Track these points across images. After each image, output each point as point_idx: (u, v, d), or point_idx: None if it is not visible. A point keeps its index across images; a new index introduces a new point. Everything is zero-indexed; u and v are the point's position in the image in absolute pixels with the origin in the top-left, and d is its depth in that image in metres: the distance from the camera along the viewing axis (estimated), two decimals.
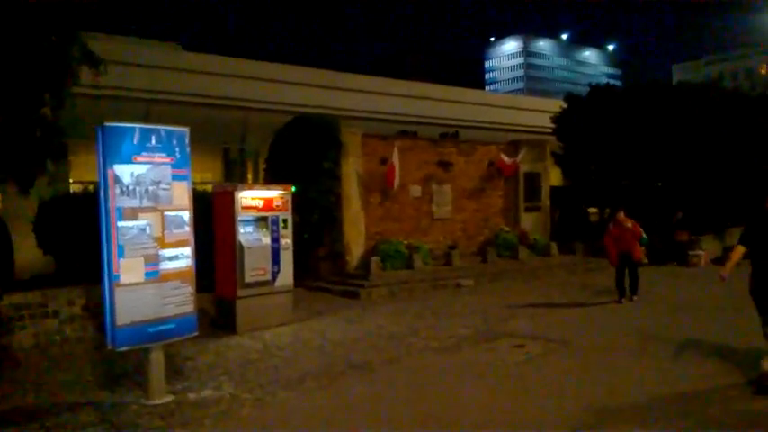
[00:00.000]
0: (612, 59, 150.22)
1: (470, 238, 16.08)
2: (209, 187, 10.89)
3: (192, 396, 5.96)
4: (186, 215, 5.97)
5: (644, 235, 10.86)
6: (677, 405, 5.44)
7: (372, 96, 21.73)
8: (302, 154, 13.24)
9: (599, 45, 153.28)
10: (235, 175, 19.64)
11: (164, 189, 5.75)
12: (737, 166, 16.76)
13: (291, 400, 5.82)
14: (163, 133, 5.82)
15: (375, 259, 13.09)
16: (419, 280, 12.90)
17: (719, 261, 16.23)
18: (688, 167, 16.94)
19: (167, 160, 5.80)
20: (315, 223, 13.23)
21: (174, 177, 5.85)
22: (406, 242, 14.12)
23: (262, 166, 15.60)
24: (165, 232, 5.75)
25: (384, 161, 14.26)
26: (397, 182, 14.10)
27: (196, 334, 6.22)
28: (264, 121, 17.29)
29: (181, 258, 5.91)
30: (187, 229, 5.98)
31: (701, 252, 16.36)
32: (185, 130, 6.06)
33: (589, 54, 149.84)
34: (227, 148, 20.52)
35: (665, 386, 5.93)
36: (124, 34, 21.28)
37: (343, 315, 9.98)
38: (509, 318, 9.62)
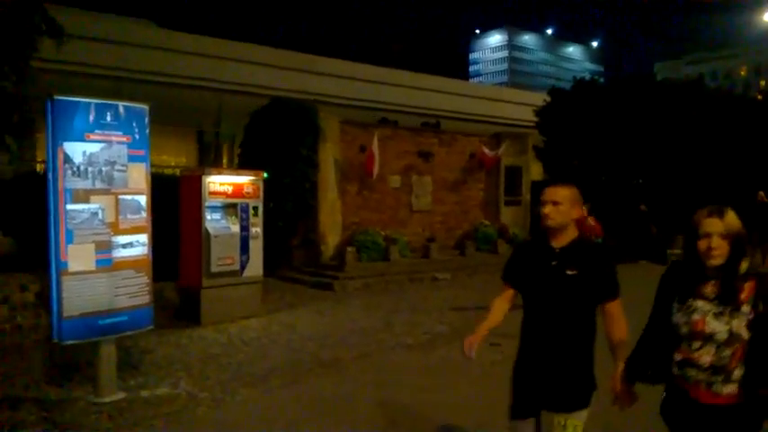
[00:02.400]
0: (596, 56, 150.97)
1: (449, 231, 15.78)
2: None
3: (145, 393, 5.55)
4: (143, 200, 5.54)
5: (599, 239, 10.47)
6: None
7: (353, 82, 21.28)
8: (278, 139, 12.78)
9: (583, 41, 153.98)
10: (210, 159, 19.12)
11: (119, 171, 5.31)
12: (717, 165, 16.67)
13: (252, 399, 5.45)
14: (121, 110, 5.37)
15: (351, 250, 12.72)
16: (395, 272, 12.58)
17: None
18: (669, 164, 16.82)
19: (124, 139, 5.35)
20: (289, 211, 12.80)
21: (131, 158, 5.40)
22: (383, 233, 13.77)
23: (237, 150, 15.13)
24: (120, 217, 5.32)
25: (363, 149, 13.87)
26: (376, 171, 13.72)
27: (152, 327, 5.80)
28: (241, 105, 16.72)
29: (136, 246, 5.48)
30: (144, 214, 5.55)
31: (678, 251, 16.22)
32: (145, 107, 5.61)
33: (573, 50, 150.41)
34: (202, 132, 19.96)
35: None
36: (96, 9, 20.58)
37: (314, 308, 9.61)
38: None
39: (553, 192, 3.00)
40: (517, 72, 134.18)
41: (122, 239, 5.34)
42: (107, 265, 5.26)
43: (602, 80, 21.23)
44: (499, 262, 14.13)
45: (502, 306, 3.43)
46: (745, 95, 20.73)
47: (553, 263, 2.92)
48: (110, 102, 5.34)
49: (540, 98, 20.00)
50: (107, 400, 5.30)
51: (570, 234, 2.99)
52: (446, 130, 16.96)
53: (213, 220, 8.29)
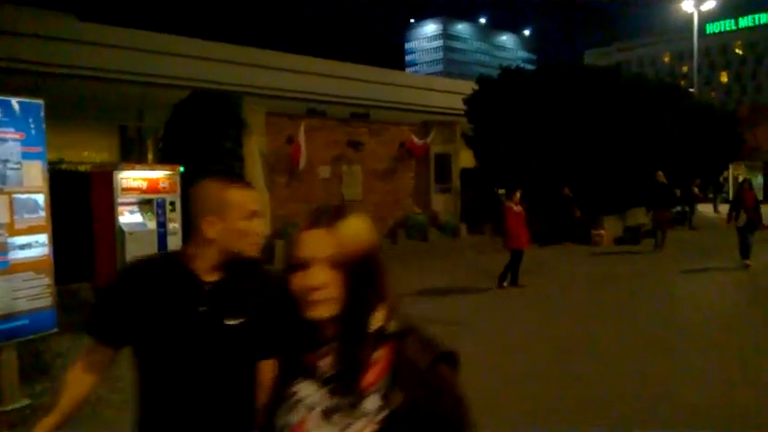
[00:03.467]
0: (528, 44, 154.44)
1: (381, 220, 15.85)
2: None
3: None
4: (41, 198, 5.32)
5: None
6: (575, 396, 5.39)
7: (280, 73, 20.97)
8: (201, 132, 12.48)
9: (515, 30, 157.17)
10: (133, 155, 18.49)
11: (12, 169, 5.07)
12: (638, 148, 17.36)
13: None
14: (13, 105, 5.13)
15: (280, 243, 12.62)
16: None
17: (622, 241, 16.87)
18: (592, 148, 17.39)
19: (17, 136, 5.12)
20: None
21: (25, 156, 5.17)
22: None
23: (161, 145, 14.72)
24: (15, 217, 5.09)
25: (290, 140, 13.76)
26: (303, 162, 13.64)
27: (56, 330, 5.59)
28: (165, 98, 16.28)
29: (35, 247, 5.26)
30: (42, 213, 5.33)
31: (602, 231, 16.89)
32: (40, 102, 5.38)
33: (506, 38, 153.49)
34: (125, 126, 19.28)
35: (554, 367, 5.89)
36: (14, 2, 19.52)
37: None
38: (413, 300, 9.42)
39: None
40: (452, 61, 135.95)
41: (19, 240, 5.13)
42: (3, 267, 5.04)
43: (531, 68, 21.68)
44: (429, 249, 14.46)
45: (85, 379, 2.01)
46: (660, 81, 21.61)
47: (201, 308, 1.81)
48: (0, 97, 5.10)
49: (468, 87, 20.27)
50: (9, 407, 5.10)
51: (221, 255, 1.85)
52: (376, 119, 16.98)
53: (127, 217, 8.04)
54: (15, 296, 5.10)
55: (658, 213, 15.40)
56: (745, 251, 11.76)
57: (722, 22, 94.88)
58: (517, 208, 10.45)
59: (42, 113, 5.40)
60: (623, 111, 17.21)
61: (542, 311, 8.68)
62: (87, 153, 18.78)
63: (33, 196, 5.24)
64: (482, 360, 6.29)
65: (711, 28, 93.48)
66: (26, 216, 5.17)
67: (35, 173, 5.27)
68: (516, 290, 10.21)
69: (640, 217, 17.88)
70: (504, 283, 10.41)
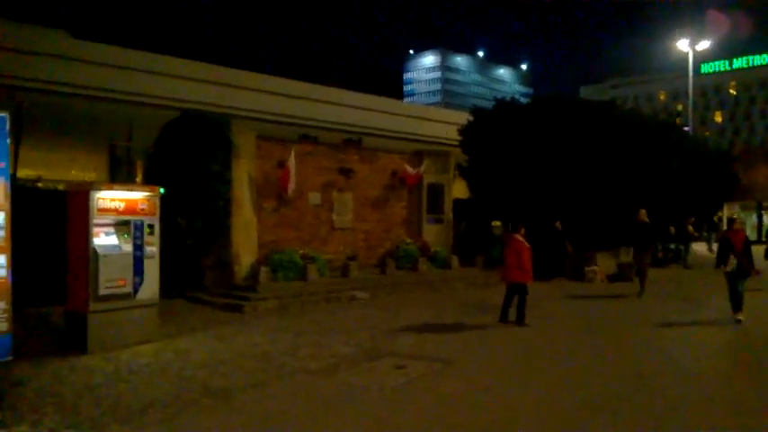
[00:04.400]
0: (525, 78, 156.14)
1: (371, 249, 15.56)
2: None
3: None
4: (1, 217, 5.00)
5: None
6: None
7: (272, 97, 20.85)
8: (189, 154, 12.24)
9: (513, 64, 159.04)
10: (121, 174, 18.21)
11: None
12: (631, 184, 17.16)
13: None
14: None
15: (265, 269, 12.26)
16: (312, 293, 12.18)
17: (615, 278, 16.53)
18: (585, 183, 17.18)
19: None
20: (200, 229, 12.25)
21: None
22: (301, 252, 13.36)
23: (147, 165, 14.43)
24: None
25: (281, 165, 13.49)
26: (291, 187, 13.36)
27: (10, 358, 5.23)
28: (155, 118, 16.06)
29: None
30: (1, 233, 5.01)
31: (596, 268, 16.58)
32: (4, 114, 5.10)
33: (503, 72, 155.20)
34: (114, 146, 19.02)
35: (552, 412, 5.52)
36: (4, 16, 19.42)
37: (217, 332, 9.09)
38: (397, 335, 9.08)
39: None
40: (450, 93, 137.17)
41: None
42: None
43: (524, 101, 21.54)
44: (419, 280, 14.10)
45: None
46: (655, 117, 21.56)
47: None
48: None
49: (463, 117, 20.16)
50: None
51: None
52: (368, 147, 16.75)
53: (102, 239, 7.69)
54: None
55: (638, 255, 13.84)
56: (736, 302, 9.94)
57: (717, 63, 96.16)
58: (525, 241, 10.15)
59: (7, 127, 5.11)
60: (618, 146, 17.05)
61: (531, 351, 8.32)
62: (75, 172, 18.51)
63: None
64: (463, 401, 5.93)
65: (706, 68, 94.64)
66: None
67: None
68: (509, 329, 9.78)
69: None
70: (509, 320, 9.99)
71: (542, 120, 17.35)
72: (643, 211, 13.86)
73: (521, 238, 10.03)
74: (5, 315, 5.04)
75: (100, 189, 7.73)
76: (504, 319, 9.99)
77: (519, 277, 9.89)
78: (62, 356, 7.36)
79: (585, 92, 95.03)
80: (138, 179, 18.41)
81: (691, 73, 33.97)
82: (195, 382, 6.42)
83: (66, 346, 7.82)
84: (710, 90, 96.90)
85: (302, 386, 6.46)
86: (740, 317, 9.91)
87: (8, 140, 5.09)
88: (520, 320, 9.87)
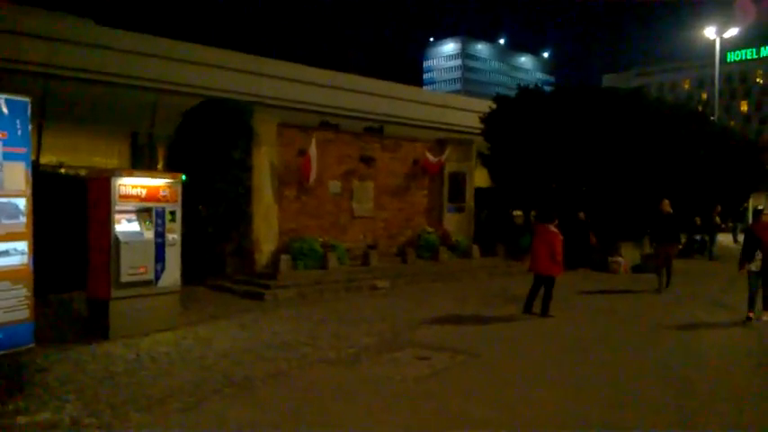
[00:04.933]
0: (547, 66, 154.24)
1: (392, 238, 15.42)
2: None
3: (23, 420, 4.94)
4: (22, 203, 4.96)
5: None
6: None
7: (294, 84, 20.73)
8: (210, 141, 12.19)
9: (534, 52, 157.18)
10: (143, 161, 18.26)
11: None
12: (658, 174, 16.82)
13: (143, 425, 4.90)
14: None
15: (285, 258, 12.20)
16: (332, 281, 12.11)
17: (639, 269, 16.22)
18: (611, 173, 16.88)
19: None
20: (221, 217, 12.22)
21: (7, 156, 4.83)
22: (321, 240, 13.28)
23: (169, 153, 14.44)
24: None
25: (302, 153, 13.37)
26: (313, 176, 13.24)
27: (32, 345, 5.20)
28: (177, 105, 16.06)
29: (13, 254, 4.90)
30: (23, 219, 4.96)
31: (620, 259, 16.30)
32: (26, 99, 5.03)
33: (525, 60, 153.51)
34: (136, 133, 19.06)
35: (576, 406, 5.38)
36: (37, 5, 19.51)
37: (239, 319, 9.05)
38: (419, 325, 8.97)
39: None
40: (470, 81, 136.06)
41: None
42: None
43: (548, 89, 21.18)
44: (439, 270, 13.96)
45: None
46: (683, 106, 21.09)
47: None
48: None
49: (485, 105, 19.89)
50: None
51: None
52: (389, 135, 16.57)
53: (124, 226, 7.65)
54: None
55: (661, 248, 12.92)
56: (753, 301, 9.30)
57: (743, 51, 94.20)
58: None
59: (29, 112, 5.05)
60: (644, 135, 16.69)
61: (556, 344, 8.15)
62: (98, 159, 18.60)
63: (14, 200, 4.89)
64: (488, 395, 5.80)
65: (732, 56, 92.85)
66: (4, 221, 4.81)
67: (17, 175, 4.91)
68: (533, 320, 9.63)
69: None
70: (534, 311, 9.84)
71: (568, 108, 17.02)
72: (666, 201, 13.13)
73: (554, 229, 9.86)
74: (27, 302, 5.00)
75: (121, 175, 7.68)
76: (528, 309, 9.84)
77: (549, 269, 9.74)
78: (84, 343, 7.36)
79: (608, 80, 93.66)
80: (160, 166, 18.47)
81: (717, 61, 33.26)
82: (216, 371, 6.37)
83: (88, 332, 7.83)
84: (736, 78, 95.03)
85: (324, 377, 6.38)
86: (752, 315, 9.34)
87: (29, 126, 5.03)
88: (544, 312, 9.72)
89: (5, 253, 4.81)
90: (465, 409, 5.39)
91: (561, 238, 9.86)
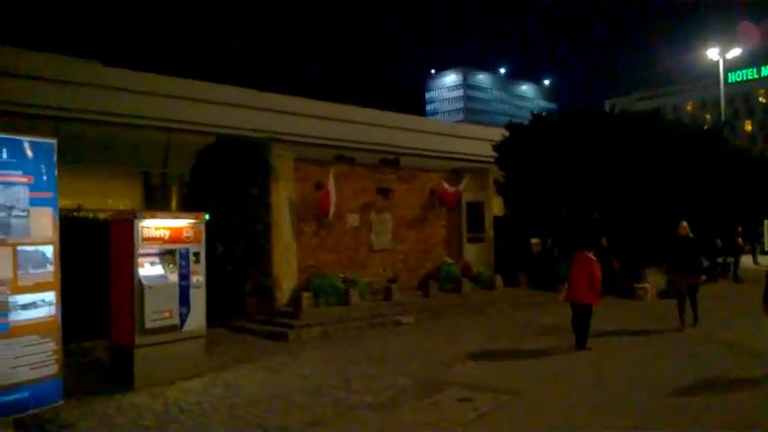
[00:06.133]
0: (548, 94, 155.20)
1: (412, 271, 15.10)
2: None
3: None
4: (50, 251, 4.70)
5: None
6: None
7: (308, 120, 20.66)
8: (227, 178, 11.98)
9: (535, 80, 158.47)
10: (156, 202, 18.07)
11: (17, 217, 4.48)
12: (676, 197, 16.52)
13: None
14: (21, 145, 4.56)
15: (307, 295, 11.89)
16: (355, 318, 11.74)
17: (665, 295, 15.76)
18: (629, 196, 16.60)
19: (24, 180, 4.54)
20: (240, 254, 11.93)
21: (34, 202, 4.59)
22: (342, 275, 12.99)
23: (185, 191, 14.24)
24: (19, 272, 4.47)
25: (319, 187, 13.17)
26: (332, 210, 13.01)
27: (60, 403, 4.87)
28: (191, 144, 15.94)
29: (41, 306, 4.62)
30: (50, 268, 4.70)
31: (646, 285, 15.88)
32: (52, 142, 4.82)
33: (526, 88, 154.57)
34: (149, 173, 18.92)
35: None
36: (38, 49, 19.61)
37: (265, 363, 8.69)
38: (453, 363, 8.58)
39: None
40: (473, 110, 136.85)
41: (23, 299, 4.49)
42: (3, 330, 4.39)
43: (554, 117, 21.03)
44: (463, 302, 13.57)
45: None
46: (699, 127, 20.90)
47: None
48: (6, 135, 4.52)
49: (497, 133, 19.74)
50: None
51: None
52: (405, 166, 16.37)
53: (147, 269, 7.37)
54: (15, 364, 4.44)
55: (681, 279, 11.15)
56: None
57: (745, 71, 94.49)
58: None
59: (55, 156, 4.83)
60: (662, 157, 16.44)
61: (601, 381, 7.75)
62: (111, 200, 18.44)
63: (41, 248, 4.63)
64: None
65: (733, 77, 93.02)
66: (32, 271, 4.55)
67: (45, 221, 4.66)
68: (571, 353, 9.25)
69: None
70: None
71: (583, 132, 16.84)
72: (684, 224, 11.44)
73: (592, 256, 9.55)
74: (56, 356, 4.70)
75: (144, 217, 7.43)
76: (583, 343, 9.42)
77: (589, 298, 9.39)
78: (108, 394, 7.01)
79: (611, 105, 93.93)
80: (174, 205, 18.28)
81: (722, 81, 33.23)
82: (250, 421, 6.01)
83: (111, 381, 7.48)
84: (739, 98, 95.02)
85: (364, 424, 6.01)
86: None
87: (55, 169, 4.80)
88: (581, 344, 9.35)
89: (33, 305, 4.53)
90: None
91: (599, 265, 9.53)
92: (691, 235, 11.38)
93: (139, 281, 7.24)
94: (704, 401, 6.58)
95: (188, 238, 7.78)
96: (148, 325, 7.25)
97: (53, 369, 4.68)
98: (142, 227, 7.32)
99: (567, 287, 9.68)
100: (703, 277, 11.77)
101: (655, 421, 5.90)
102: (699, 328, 10.96)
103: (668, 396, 6.77)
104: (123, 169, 18.45)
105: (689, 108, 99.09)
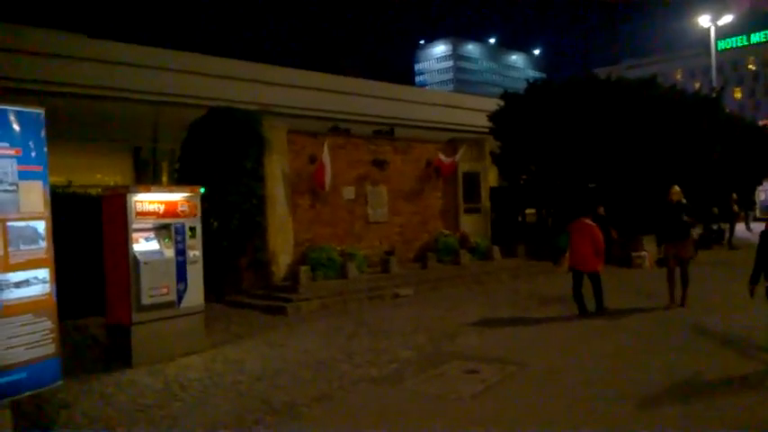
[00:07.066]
0: (538, 63, 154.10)
1: (408, 243, 14.95)
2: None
3: None
4: (41, 226, 4.48)
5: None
6: None
7: (301, 91, 20.27)
8: (220, 152, 11.71)
9: (525, 49, 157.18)
10: (147, 177, 17.75)
11: (6, 191, 4.25)
12: (673, 164, 16.39)
13: None
14: (5, 115, 4.31)
15: (304, 269, 11.74)
16: (354, 291, 11.62)
17: (663, 263, 15.72)
18: (625, 165, 16.48)
19: (11, 152, 4.30)
20: (235, 229, 11.72)
21: (23, 175, 4.35)
22: (339, 249, 12.82)
23: (177, 166, 13.95)
24: (10, 249, 4.26)
25: (313, 160, 12.91)
26: (327, 182, 12.77)
27: (60, 383, 4.70)
28: (180, 117, 15.60)
29: (34, 284, 4.41)
30: (43, 244, 4.48)
31: (644, 253, 15.84)
32: (40, 111, 4.57)
33: (516, 58, 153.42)
34: (139, 148, 18.56)
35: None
36: (21, 23, 19.02)
37: (265, 338, 8.55)
38: (456, 334, 8.48)
39: None
40: (462, 81, 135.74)
41: (14, 277, 4.28)
42: None
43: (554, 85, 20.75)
44: (461, 273, 13.46)
45: None
46: (695, 94, 20.70)
47: None
48: None
49: (492, 104, 19.48)
50: None
51: None
52: (400, 137, 16.12)
53: (142, 245, 7.16)
54: (10, 344, 4.24)
55: (670, 248, 10.14)
56: None
57: (734, 39, 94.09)
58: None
59: (44, 127, 4.58)
60: (659, 124, 16.27)
61: (603, 352, 7.67)
62: (100, 176, 18.11)
63: (32, 224, 4.40)
64: (556, 414, 5.32)
65: (723, 44, 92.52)
66: (24, 247, 4.33)
67: (35, 196, 4.43)
68: (572, 321, 9.22)
69: None
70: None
71: (578, 101, 16.63)
72: (676, 189, 10.26)
73: (591, 222, 9.51)
74: (52, 335, 4.51)
75: (138, 191, 7.19)
76: (584, 311, 9.47)
77: (594, 264, 9.44)
78: (106, 372, 6.86)
79: (600, 74, 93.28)
80: (164, 180, 17.97)
81: (714, 48, 33.03)
82: (254, 398, 5.88)
83: (109, 360, 7.32)
84: (728, 66, 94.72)
85: (371, 397, 5.90)
86: None
87: (44, 141, 4.56)
88: (600, 308, 9.49)
89: (26, 282, 4.33)
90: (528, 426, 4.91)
91: (599, 229, 9.51)
92: (683, 200, 10.25)
93: (134, 257, 7.03)
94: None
95: (183, 212, 7.56)
96: (145, 302, 7.07)
97: (50, 349, 4.50)
98: (135, 201, 7.09)
99: (570, 256, 9.61)
100: (691, 244, 10.50)
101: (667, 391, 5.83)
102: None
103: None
104: (112, 144, 18.11)
105: (678, 77, 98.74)
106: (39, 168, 4.48)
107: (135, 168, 18.45)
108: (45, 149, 4.57)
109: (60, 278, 6.65)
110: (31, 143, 4.43)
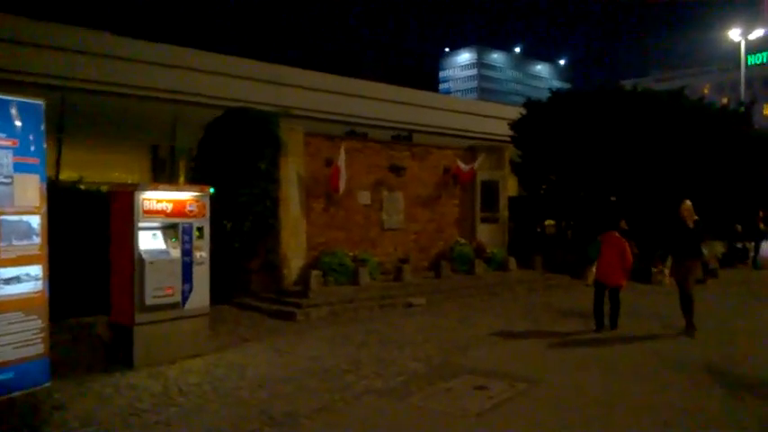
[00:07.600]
0: (563, 74, 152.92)
1: (423, 251, 14.69)
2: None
3: None
4: (36, 221, 4.33)
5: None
6: None
7: (320, 94, 20.15)
8: (235, 152, 11.60)
9: (550, 59, 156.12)
10: (164, 175, 17.73)
11: (1, 183, 4.09)
12: (701, 178, 15.96)
13: None
14: (4, 105, 4.16)
15: (316, 273, 11.55)
16: (365, 298, 11.39)
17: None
18: (649, 179, 16.06)
19: (7, 143, 4.15)
20: (247, 231, 11.58)
21: (18, 168, 4.20)
22: (352, 254, 12.62)
23: (193, 165, 13.88)
24: (2, 244, 4.11)
25: (329, 163, 12.74)
26: (342, 186, 12.58)
27: (48, 384, 4.54)
28: (199, 117, 15.56)
29: (25, 281, 4.26)
30: (37, 239, 4.33)
31: (664, 269, 15.36)
32: (40, 103, 4.42)
33: (540, 68, 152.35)
34: (157, 146, 18.56)
35: None
36: (46, 19, 19.18)
37: (272, 343, 8.36)
38: (467, 346, 8.22)
39: None
40: (486, 89, 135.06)
41: (5, 272, 4.12)
42: None
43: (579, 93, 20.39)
44: (476, 284, 13.16)
45: None
46: (723, 108, 20.21)
47: None
48: None
49: (514, 112, 19.17)
50: None
51: None
52: (418, 142, 15.89)
53: (148, 244, 7.02)
54: None
55: (683, 266, 9.47)
56: None
57: (764, 54, 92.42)
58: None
59: (43, 119, 4.43)
60: (687, 137, 15.85)
61: (619, 371, 7.36)
62: (118, 174, 18.13)
63: (26, 218, 4.26)
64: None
65: (752, 59, 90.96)
66: (16, 242, 4.18)
67: (30, 189, 4.28)
68: (589, 337, 8.92)
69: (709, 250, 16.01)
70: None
71: (604, 111, 16.26)
72: (688, 204, 9.46)
73: (621, 237, 9.25)
74: (42, 335, 4.35)
75: (145, 189, 7.05)
76: (601, 325, 9.24)
77: (620, 279, 9.24)
78: (106, 372, 6.71)
79: (632, 85, 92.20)
80: (181, 180, 17.94)
81: (744, 62, 32.39)
82: (254, 406, 5.67)
83: (110, 359, 7.18)
84: (757, 81, 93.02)
85: (374, 411, 5.66)
86: None
87: (43, 133, 4.41)
88: (614, 325, 9.28)
89: (16, 279, 4.18)
90: None
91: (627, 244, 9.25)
92: (695, 216, 9.41)
93: (140, 255, 6.88)
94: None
95: (192, 212, 7.41)
96: (149, 302, 6.92)
97: (39, 349, 4.34)
98: (143, 199, 6.95)
99: (597, 269, 9.32)
100: (700, 264, 9.96)
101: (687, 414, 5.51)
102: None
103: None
104: (131, 142, 18.12)
105: (706, 91, 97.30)
106: (36, 161, 4.34)
107: (152, 167, 18.47)
108: (44, 143, 4.42)
109: (68, 275, 6.56)
110: (30, 136, 4.29)
